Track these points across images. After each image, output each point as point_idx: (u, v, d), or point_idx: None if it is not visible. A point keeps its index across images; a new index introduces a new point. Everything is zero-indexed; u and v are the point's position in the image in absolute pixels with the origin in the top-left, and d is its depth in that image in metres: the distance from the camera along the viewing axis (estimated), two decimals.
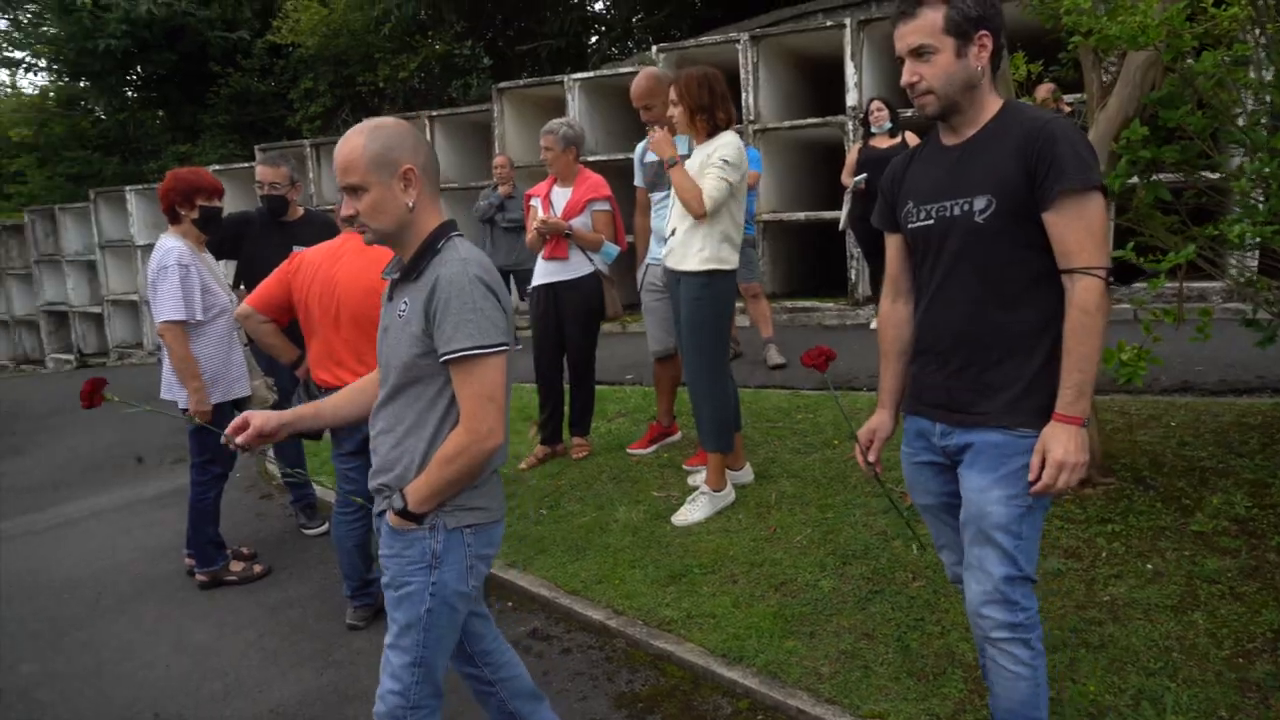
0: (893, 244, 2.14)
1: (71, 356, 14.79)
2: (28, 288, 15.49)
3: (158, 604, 4.02)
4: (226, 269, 4.41)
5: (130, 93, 17.45)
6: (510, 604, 3.57)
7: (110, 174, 16.95)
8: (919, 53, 1.86)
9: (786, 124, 8.39)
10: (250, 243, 4.29)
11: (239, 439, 2.04)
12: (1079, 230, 1.80)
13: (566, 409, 4.73)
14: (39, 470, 6.93)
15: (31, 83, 19.47)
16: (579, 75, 9.55)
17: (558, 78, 9.72)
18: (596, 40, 16.34)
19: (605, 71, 9.87)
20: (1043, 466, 1.80)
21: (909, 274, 2.11)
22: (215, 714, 3.08)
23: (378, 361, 2.03)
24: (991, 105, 1.92)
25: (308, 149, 11.55)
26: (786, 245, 9.10)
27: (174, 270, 3.58)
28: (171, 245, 3.67)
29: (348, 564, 3.48)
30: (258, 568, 4.15)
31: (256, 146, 12.14)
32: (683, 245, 3.60)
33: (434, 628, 1.95)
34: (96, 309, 14.37)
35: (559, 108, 9.57)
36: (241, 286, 4.32)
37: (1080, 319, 1.79)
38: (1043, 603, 2.59)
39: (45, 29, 16.49)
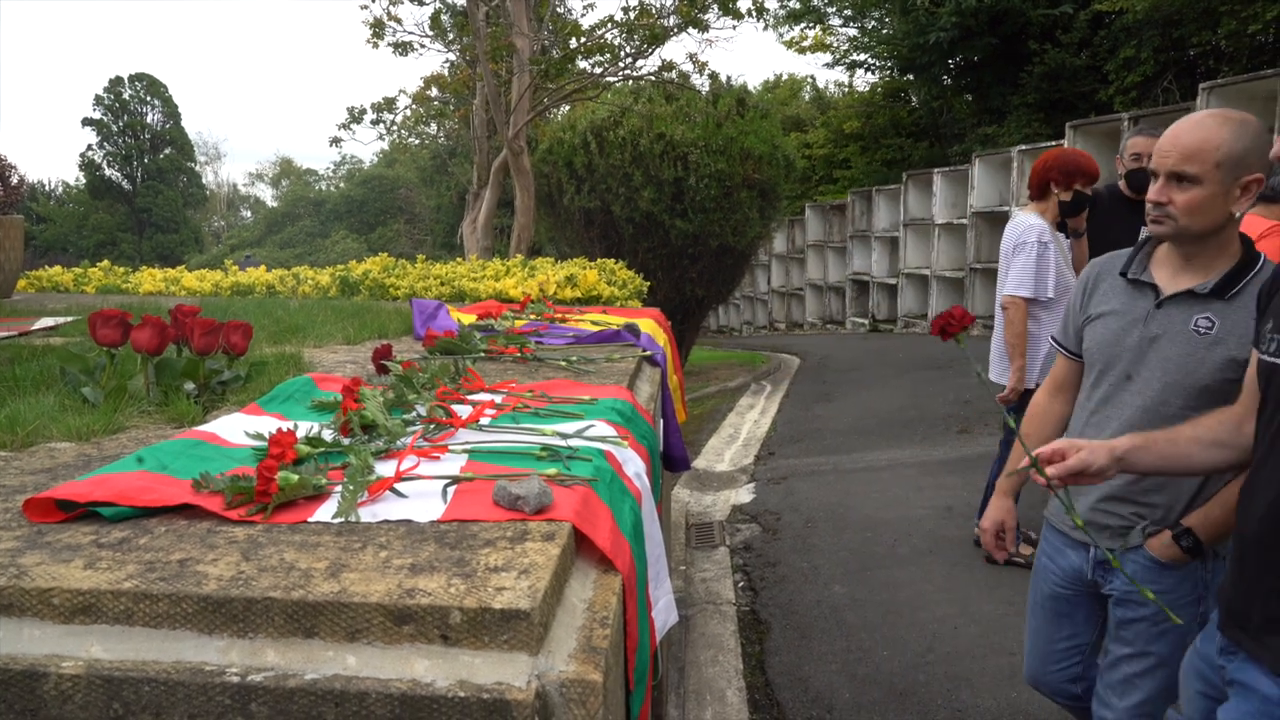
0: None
1: (865, 321, 16.78)
2: (840, 259, 18.05)
3: (946, 564, 4.20)
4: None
5: (946, 80, 18.70)
6: None
7: (918, 158, 18.57)
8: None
9: None
10: (1095, 221, 4.05)
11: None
12: None
13: None
14: (844, 417, 7.98)
15: (864, 80, 22.34)
16: None
17: None
18: None
19: None
20: None
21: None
22: (1004, 695, 3.06)
23: (1115, 372, 1.89)
24: None
25: (1125, 123, 10.73)
26: None
27: (1033, 246, 3.57)
28: (1033, 222, 3.66)
29: None
30: None
31: (1067, 124, 11.78)
32: None
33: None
34: (892, 280, 15.97)
35: None
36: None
37: None
38: None
39: (885, 31, 18.69)
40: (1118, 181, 4.04)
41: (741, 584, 4.32)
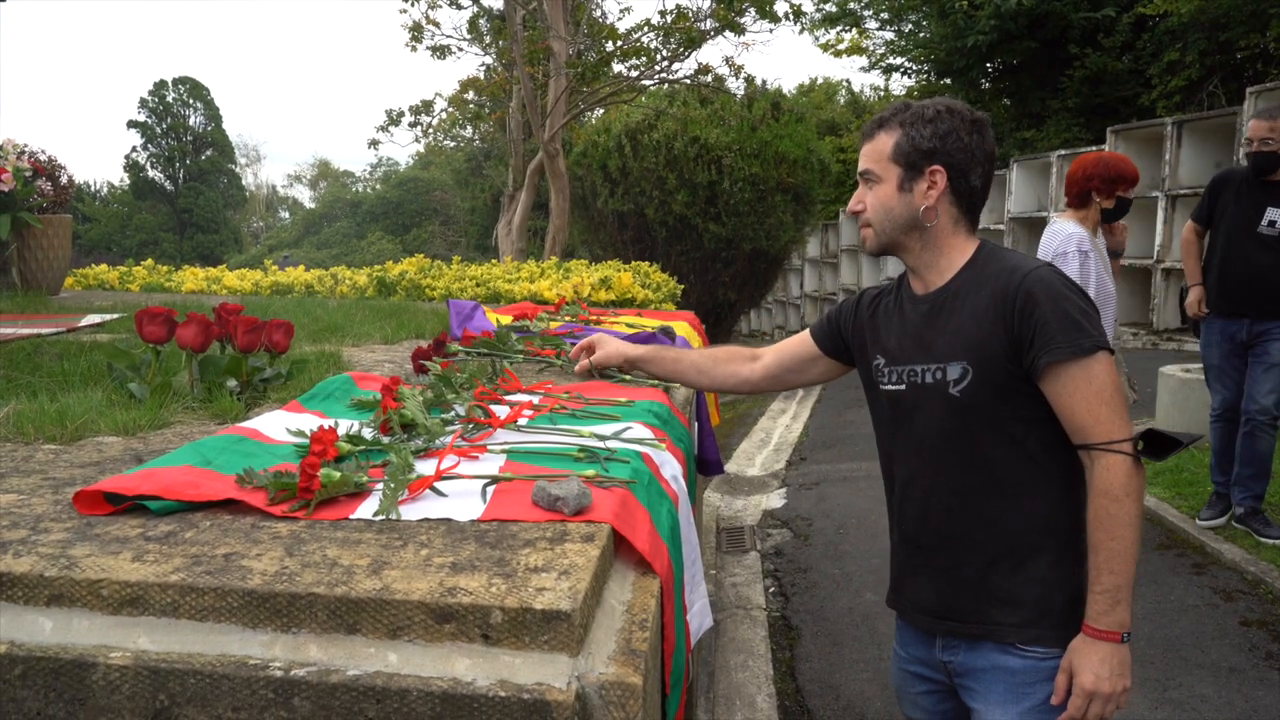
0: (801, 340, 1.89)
1: None
2: (874, 264, 17.85)
3: None
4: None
5: (985, 84, 18.49)
6: None
7: None
8: (864, 177, 1.62)
9: None
10: (1225, 202, 4.20)
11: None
12: (1086, 400, 1.43)
13: None
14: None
15: (901, 84, 22.13)
16: None
17: None
18: None
19: None
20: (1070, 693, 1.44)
21: (785, 362, 1.90)
22: None
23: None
24: (960, 251, 1.58)
25: (1168, 128, 10.54)
26: None
27: (1074, 256, 3.50)
28: (1072, 231, 3.59)
29: None
30: None
31: (1108, 129, 11.60)
32: None
33: None
34: None
35: None
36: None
37: (1105, 507, 1.42)
38: None
39: (923, 34, 18.52)
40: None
41: (772, 589, 4.30)
